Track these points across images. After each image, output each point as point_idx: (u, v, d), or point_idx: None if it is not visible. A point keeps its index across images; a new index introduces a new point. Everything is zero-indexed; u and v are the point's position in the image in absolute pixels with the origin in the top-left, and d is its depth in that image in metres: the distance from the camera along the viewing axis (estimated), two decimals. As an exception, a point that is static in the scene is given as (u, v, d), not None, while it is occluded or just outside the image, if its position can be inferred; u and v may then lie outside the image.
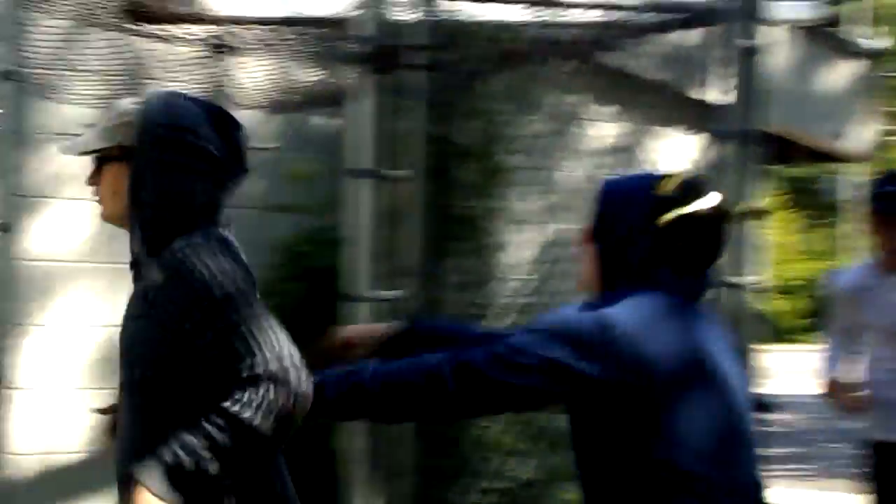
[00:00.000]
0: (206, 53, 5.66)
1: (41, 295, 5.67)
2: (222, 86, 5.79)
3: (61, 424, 5.67)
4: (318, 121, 6.05)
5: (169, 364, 2.69)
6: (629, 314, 2.76)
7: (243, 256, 2.76)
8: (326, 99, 5.88)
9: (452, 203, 6.11)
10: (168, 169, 2.78)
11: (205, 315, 2.62)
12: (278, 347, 2.59)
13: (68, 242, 5.71)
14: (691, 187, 2.86)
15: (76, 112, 5.71)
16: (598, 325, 2.73)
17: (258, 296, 2.69)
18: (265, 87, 5.81)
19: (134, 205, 2.80)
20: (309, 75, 5.70)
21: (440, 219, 5.90)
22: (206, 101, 2.96)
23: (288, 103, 5.96)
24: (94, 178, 2.91)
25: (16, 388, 5.45)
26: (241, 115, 5.91)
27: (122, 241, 2.83)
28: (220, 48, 5.66)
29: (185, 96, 2.92)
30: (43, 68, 5.59)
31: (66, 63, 5.63)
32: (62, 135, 5.70)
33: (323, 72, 5.67)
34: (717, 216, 2.88)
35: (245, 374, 2.56)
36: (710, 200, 2.85)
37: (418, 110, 5.51)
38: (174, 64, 5.76)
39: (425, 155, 5.58)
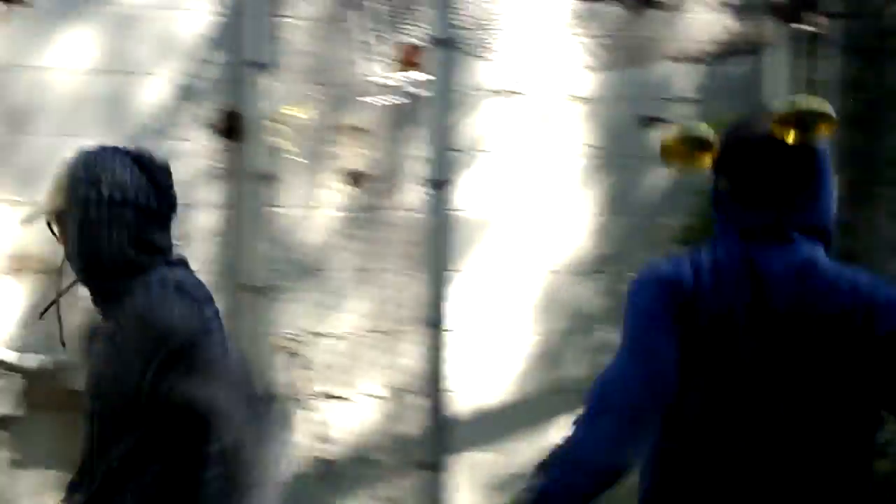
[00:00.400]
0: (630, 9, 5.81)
1: (471, 244, 6.00)
2: (644, 40, 5.92)
3: (492, 364, 6.01)
4: (733, 70, 6.07)
5: (133, 400, 2.80)
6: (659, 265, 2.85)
7: (201, 291, 2.86)
8: (743, 49, 5.90)
9: (881, 147, 5.99)
10: (94, 226, 2.86)
11: (165, 360, 2.75)
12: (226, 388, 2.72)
13: (496, 194, 6.01)
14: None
15: (501, 70, 6.00)
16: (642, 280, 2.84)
17: (217, 326, 2.81)
18: (685, 39, 5.89)
19: (71, 262, 2.92)
20: (727, 26, 5.73)
21: (866, 164, 5.81)
22: (129, 149, 2.98)
23: (706, 54, 6.01)
24: (59, 239, 2.99)
25: (450, 331, 5.83)
26: (662, 68, 6.06)
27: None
28: (645, 3, 5.79)
29: (107, 148, 2.95)
30: (473, 31, 5.89)
31: (492, 23, 5.91)
32: (486, 92, 6.01)
33: (740, 22, 5.70)
34: (760, 138, 2.79)
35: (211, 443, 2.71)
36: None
37: (835, 57, 5.45)
38: (598, 21, 5.95)
39: (845, 102, 5.51)
